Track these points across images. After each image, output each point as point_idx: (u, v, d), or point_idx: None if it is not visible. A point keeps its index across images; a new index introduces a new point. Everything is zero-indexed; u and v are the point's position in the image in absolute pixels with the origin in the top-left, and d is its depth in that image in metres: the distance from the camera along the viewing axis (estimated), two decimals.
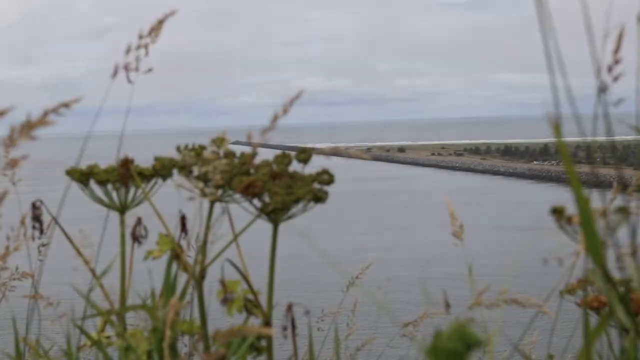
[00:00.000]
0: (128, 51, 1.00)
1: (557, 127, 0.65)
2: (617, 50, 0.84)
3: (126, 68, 1.02)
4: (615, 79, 0.86)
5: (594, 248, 0.65)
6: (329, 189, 1.33)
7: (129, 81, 1.21)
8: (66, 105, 0.81)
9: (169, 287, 1.26)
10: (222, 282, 1.28)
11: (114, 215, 1.40)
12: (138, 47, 1.02)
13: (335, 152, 1.29)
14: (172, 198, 1.43)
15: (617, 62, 0.84)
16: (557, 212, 0.86)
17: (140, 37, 1.02)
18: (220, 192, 1.35)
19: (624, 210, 0.90)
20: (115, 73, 1.01)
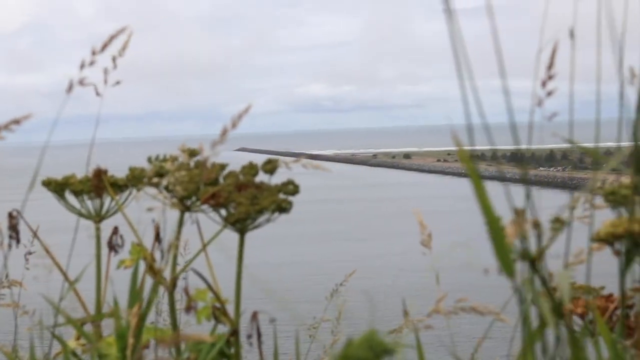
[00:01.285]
0: (82, 67, 1.04)
1: (456, 137, 0.68)
2: (550, 66, 0.87)
3: (81, 83, 1.05)
4: (549, 93, 0.88)
5: (503, 256, 0.67)
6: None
7: (97, 94, 1.24)
8: (17, 122, 0.83)
9: (135, 295, 1.29)
10: (186, 292, 1.31)
11: (84, 226, 1.43)
12: (91, 63, 1.05)
13: (300, 162, 1.32)
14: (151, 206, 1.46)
15: (550, 77, 0.87)
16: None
17: (94, 53, 1.05)
18: (188, 202, 1.38)
19: (558, 221, 0.93)
20: (70, 88, 1.05)
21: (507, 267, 0.70)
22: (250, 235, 1.42)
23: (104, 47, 1.05)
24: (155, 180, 1.21)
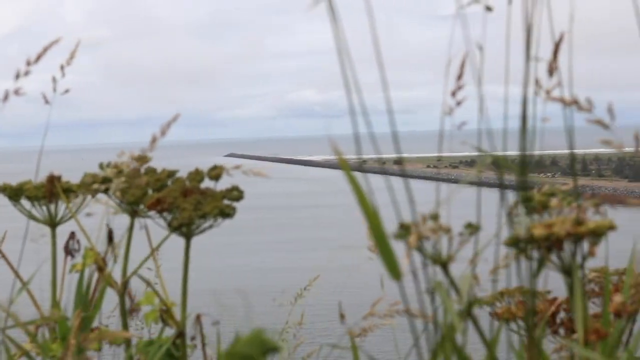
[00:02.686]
0: (17, 77, 1.07)
1: (335, 147, 0.72)
2: (460, 76, 0.91)
3: (17, 93, 1.08)
4: (459, 103, 0.92)
5: (388, 260, 0.70)
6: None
7: (46, 102, 1.27)
8: None
9: (81, 298, 1.32)
10: (129, 295, 1.34)
11: (38, 232, 1.47)
12: (26, 73, 1.09)
13: (240, 169, 1.36)
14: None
15: (460, 87, 0.91)
16: (404, 229, 0.92)
17: (28, 63, 1.08)
18: (137, 207, 1.41)
19: (471, 227, 0.97)
20: (5, 98, 1.08)
21: (392, 271, 0.73)
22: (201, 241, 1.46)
23: (38, 58, 1.09)
24: (96, 186, 1.25)
